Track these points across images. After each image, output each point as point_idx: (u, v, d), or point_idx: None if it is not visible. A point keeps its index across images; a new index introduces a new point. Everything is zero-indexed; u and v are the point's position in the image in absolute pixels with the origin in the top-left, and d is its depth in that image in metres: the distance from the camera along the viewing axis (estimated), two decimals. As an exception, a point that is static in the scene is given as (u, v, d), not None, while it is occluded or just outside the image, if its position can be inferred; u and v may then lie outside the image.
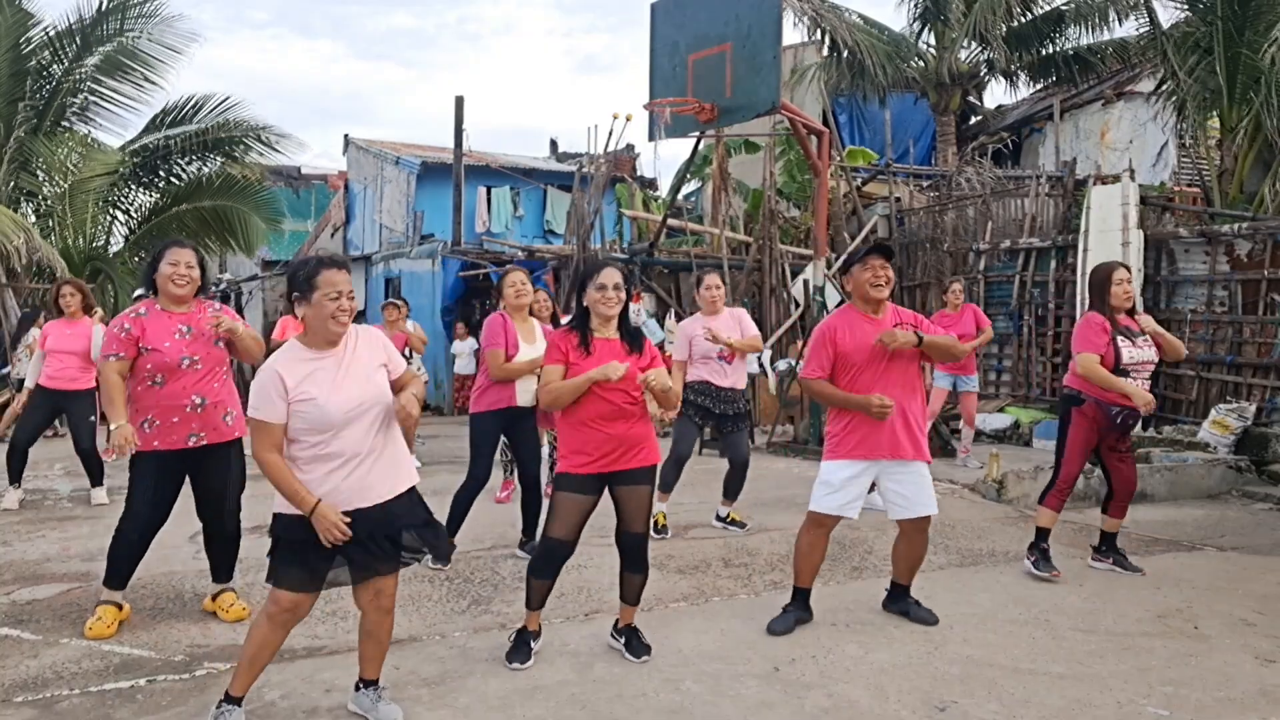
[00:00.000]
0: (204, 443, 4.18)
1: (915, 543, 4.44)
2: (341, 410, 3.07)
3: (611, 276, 3.84)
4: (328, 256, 3.27)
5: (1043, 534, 5.29)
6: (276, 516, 3.14)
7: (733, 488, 6.27)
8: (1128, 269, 5.28)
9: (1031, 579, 5.18)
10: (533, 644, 3.89)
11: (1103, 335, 5.07)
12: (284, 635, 3.20)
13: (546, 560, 3.84)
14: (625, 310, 3.91)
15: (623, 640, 3.98)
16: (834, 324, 4.34)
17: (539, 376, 4.02)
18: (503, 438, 5.47)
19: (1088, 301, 5.40)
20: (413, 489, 3.29)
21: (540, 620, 3.95)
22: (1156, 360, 5.21)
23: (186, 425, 4.15)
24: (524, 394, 5.25)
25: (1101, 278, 5.22)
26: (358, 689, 3.36)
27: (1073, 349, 5.22)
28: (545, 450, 6.90)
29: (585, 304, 3.88)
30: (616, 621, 4.06)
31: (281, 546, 3.13)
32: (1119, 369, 5.05)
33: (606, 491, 3.88)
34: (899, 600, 4.56)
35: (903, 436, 4.25)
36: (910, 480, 4.29)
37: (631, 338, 3.91)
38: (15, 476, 6.83)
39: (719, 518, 6.35)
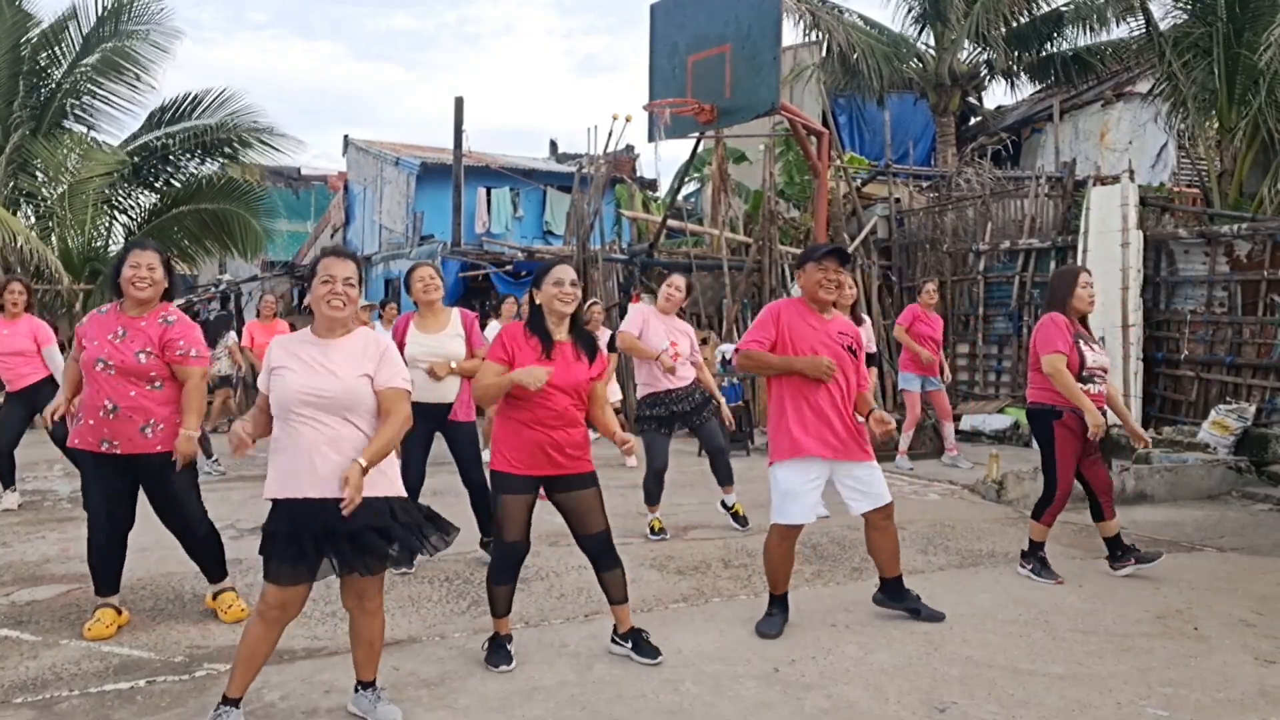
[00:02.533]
0: (117, 451, 4.06)
1: (885, 532, 4.43)
2: (299, 389, 3.09)
3: (568, 273, 3.83)
4: (332, 247, 3.32)
5: (1037, 545, 5.27)
6: (273, 504, 3.16)
7: (722, 474, 6.26)
8: (1089, 273, 5.28)
9: (1029, 579, 5.17)
10: (509, 646, 3.85)
11: (1067, 336, 5.04)
12: (277, 634, 3.19)
13: (505, 564, 3.82)
14: (577, 313, 3.87)
15: (629, 645, 3.92)
16: (781, 308, 4.35)
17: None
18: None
19: (1048, 302, 5.36)
20: (388, 498, 3.19)
21: (509, 625, 3.89)
22: (1109, 367, 5.22)
23: (99, 429, 4.06)
24: (449, 391, 5.20)
25: (1067, 280, 5.20)
26: (357, 690, 3.36)
27: (1036, 349, 5.13)
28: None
29: (539, 301, 3.83)
30: (616, 627, 3.98)
31: (267, 539, 3.13)
32: (1083, 372, 5.03)
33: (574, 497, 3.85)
34: (899, 596, 4.53)
35: (848, 437, 4.26)
36: (862, 475, 4.31)
37: (585, 342, 3.86)
38: (8, 480, 6.84)
39: (725, 506, 6.32)
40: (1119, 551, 5.33)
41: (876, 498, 4.33)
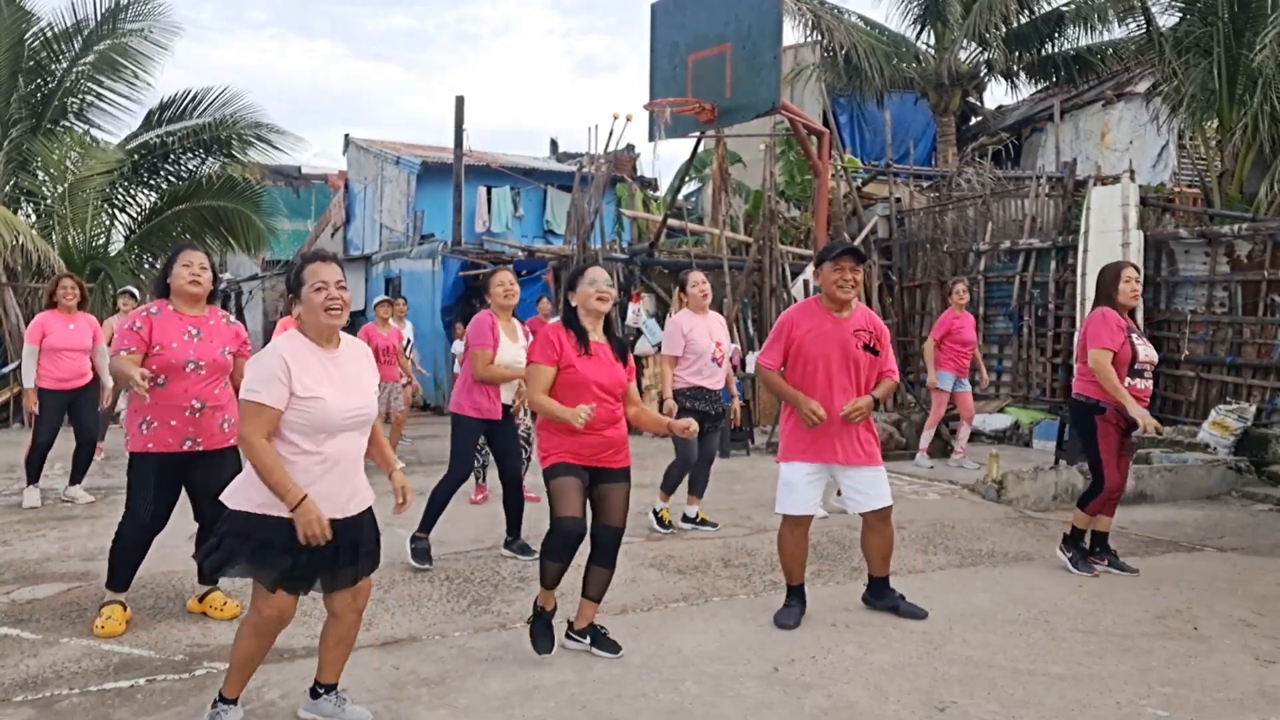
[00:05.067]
0: (199, 449, 4.17)
1: (881, 534, 4.51)
2: (343, 413, 3.01)
3: (602, 274, 3.95)
4: (314, 252, 3.26)
5: (1079, 533, 5.31)
6: (248, 517, 2.97)
7: (699, 483, 6.32)
8: (1137, 269, 5.28)
9: (1030, 579, 5.18)
10: (553, 624, 3.88)
11: (1120, 332, 5.05)
12: (271, 642, 3.16)
13: (561, 541, 3.81)
14: (610, 317, 3.97)
15: (587, 640, 3.94)
16: (795, 315, 4.42)
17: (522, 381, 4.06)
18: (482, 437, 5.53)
19: (1091, 300, 5.39)
20: (369, 507, 3.22)
21: (555, 599, 3.90)
22: (1157, 359, 5.25)
23: (183, 429, 4.14)
24: (505, 393, 5.36)
25: (1111, 276, 5.23)
26: (316, 695, 3.25)
27: (1085, 344, 5.13)
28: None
29: (575, 303, 3.95)
30: (572, 624, 3.99)
31: (254, 548, 2.97)
32: (1134, 367, 5.06)
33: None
34: (882, 595, 4.61)
35: (854, 443, 4.33)
36: (864, 477, 4.38)
37: (618, 346, 3.97)
38: (35, 476, 6.88)
39: (686, 518, 6.33)
40: (1099, 549, 5.43)
41: (875, 499, 4.38)
